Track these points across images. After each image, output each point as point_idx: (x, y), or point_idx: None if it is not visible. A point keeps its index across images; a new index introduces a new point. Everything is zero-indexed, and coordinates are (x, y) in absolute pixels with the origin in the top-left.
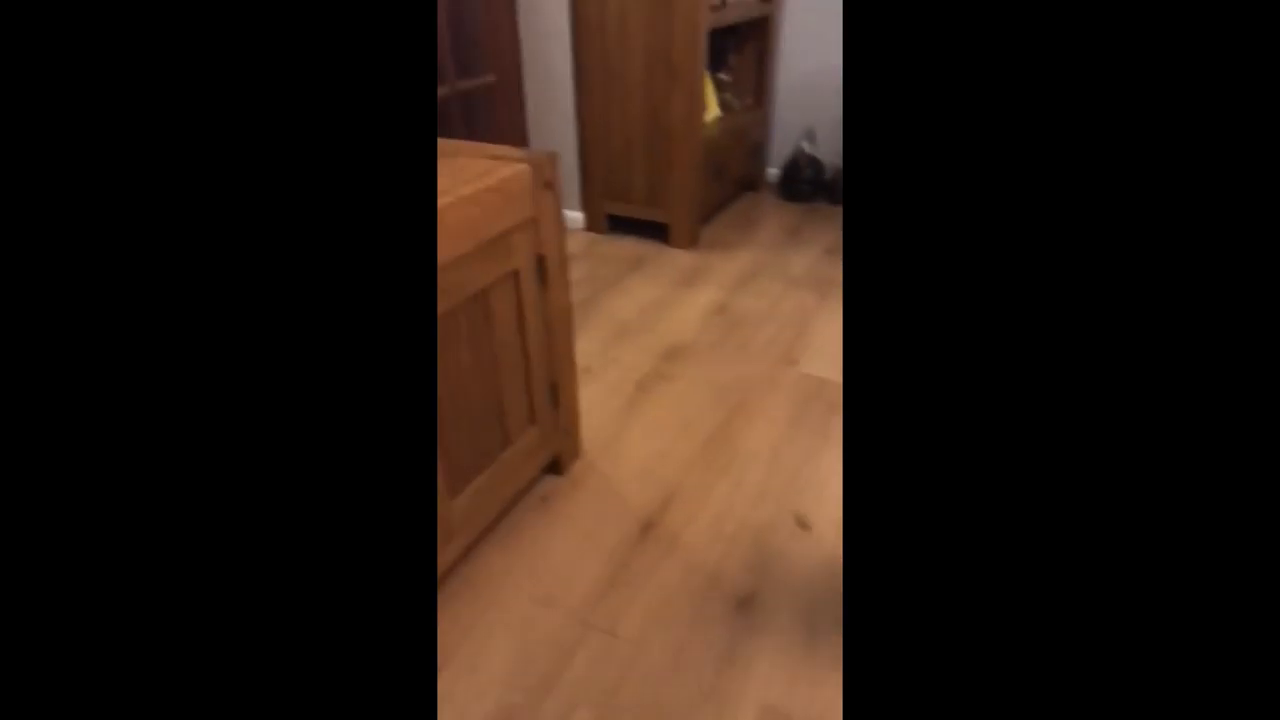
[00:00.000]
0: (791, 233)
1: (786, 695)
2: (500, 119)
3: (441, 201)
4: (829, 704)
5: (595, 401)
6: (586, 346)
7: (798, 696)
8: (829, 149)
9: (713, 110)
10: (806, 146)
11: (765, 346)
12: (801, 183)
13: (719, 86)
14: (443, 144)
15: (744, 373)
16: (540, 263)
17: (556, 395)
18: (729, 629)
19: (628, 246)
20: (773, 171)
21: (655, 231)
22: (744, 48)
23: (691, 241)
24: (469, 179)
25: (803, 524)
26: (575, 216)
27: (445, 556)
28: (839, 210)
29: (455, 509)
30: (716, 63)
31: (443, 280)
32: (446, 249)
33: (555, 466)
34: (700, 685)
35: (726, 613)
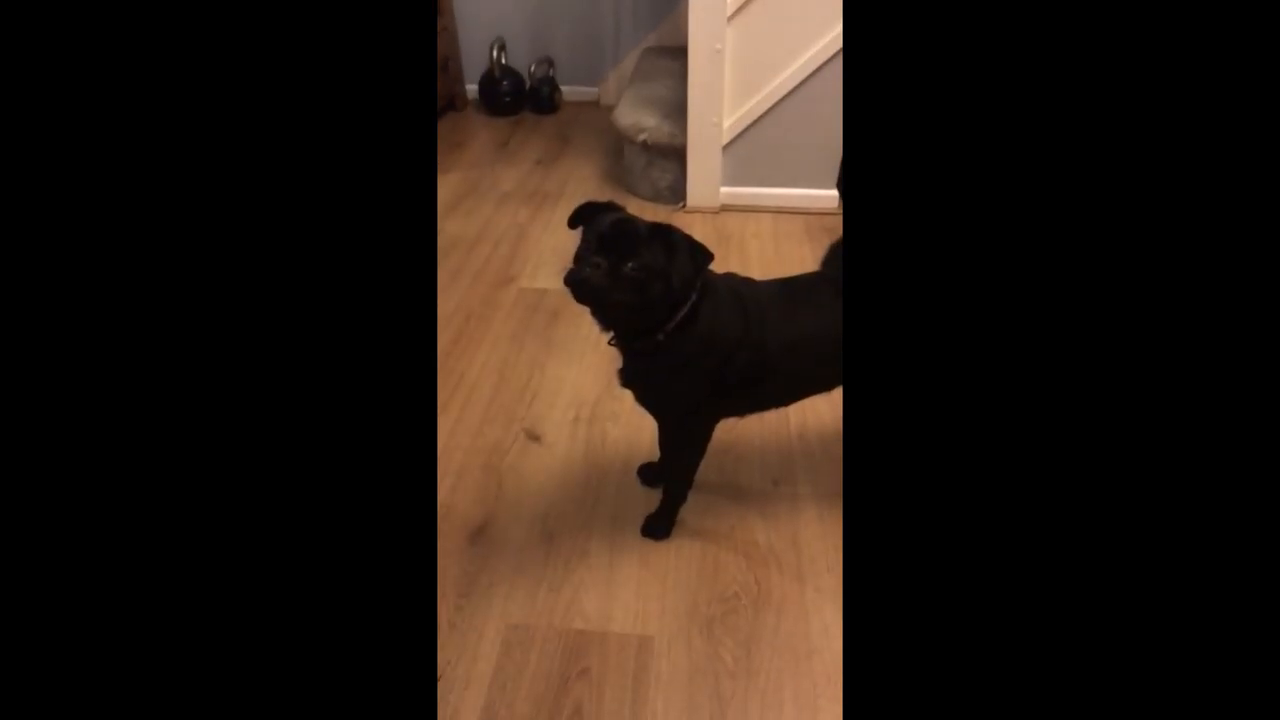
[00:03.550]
0: (499, 148)
1: (528, 609)
2: None
3: None
4: (569, 604)
5: None
6: None
7: (539, 606)
8: (523, 57)
9: None
10: (500, 57)
11: (481, 269)
12: (501, 95)
13: None
14: None
15: (461, 300)
16: None
17: None
18: (463, 562)
19: None
20: (471, 88)
21: None
22: None
23: None
24: None
25: (533, 436)
26: None
27: None
28: (547, 119)
29: None
30: None
31: None
32: None
33: None
34: (439, 626)
35: (460, 547)
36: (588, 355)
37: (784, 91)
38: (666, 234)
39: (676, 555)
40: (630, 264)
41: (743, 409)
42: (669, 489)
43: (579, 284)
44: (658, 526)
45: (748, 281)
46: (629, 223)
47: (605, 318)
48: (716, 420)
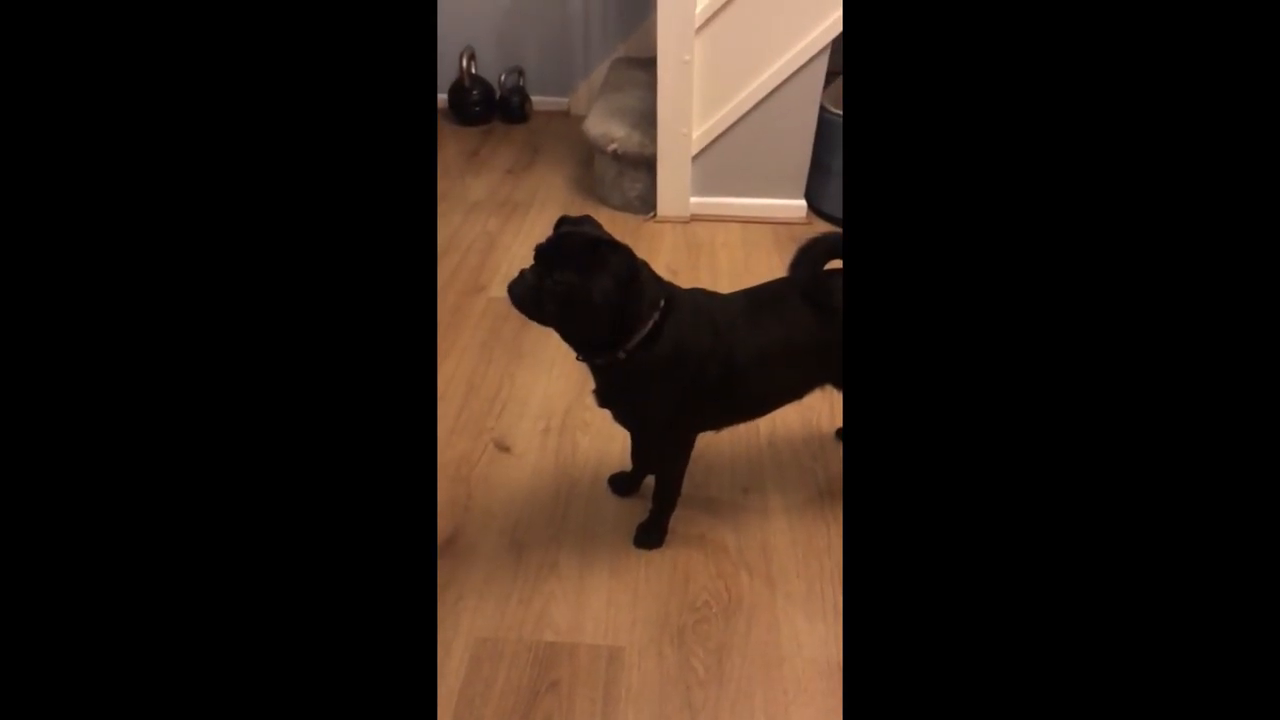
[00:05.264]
0: (469, 157)
1: (497, 621)
2: None
3: None
4: (539, 615)
5: None
6: None
7: (508, 618)
8: (493, 66)
9: None
10: (469, 66)
11: (450, 278)
12: (471, 105)
13: None
14: None
15: None
16: None
17: None
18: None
19: None
20: (441, 97)
21: None
22: None
23: None
24: None
25: (502, 447)
26: None
27: None
28: (517, 129)
29: None
30: None
31: None
32: None
33: None
34: None
35: None
36: (558, 365)
37: (752, 103)
38: (602, 252)
39: (647, 565)
40: (552, 278)
41: (720, 422)
42: (657, 499)
43: (509, 293)
44: (650, 536)
45: (713, 296)
46: (568, 236)
47: (555, 330)
48: (695, 433)
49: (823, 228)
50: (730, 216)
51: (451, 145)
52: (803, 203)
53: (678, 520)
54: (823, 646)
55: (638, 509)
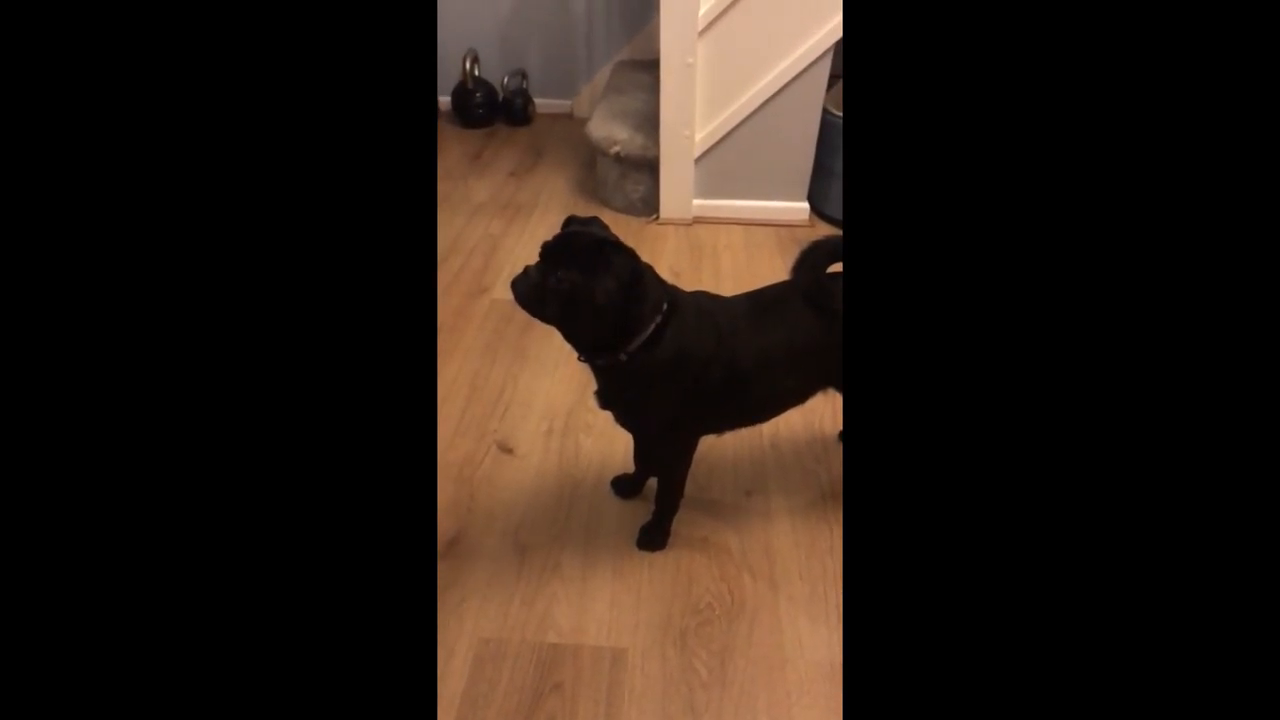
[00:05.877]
0: (472, 160)
1: (500, 622)
2: None
3: None
4: (542, 617)
5: None
6: None
7: (511, 620)
8: (496, 69)
9: None
10: (472, 69)
11: (453, 281)
12: (474, 107)
13: None
14: None
15: None
16: None
17: None
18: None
19: None
20: (444, 99)
21: None
22: None
23: None
24: None
25: (505, 448)
26: None
27: None
28: (520, 131)
29: None
30: None
31: None
32: None
33: None
34: None
35: None
36: (561, 367)
37: (755, 105)
38: (606, 253)
39: (650, 567)
40: (555, 276)
41: (723, 425)
42: (660, 501)
43: (512, 289)
44: (653, 538)
45: (716, 299)
46: (575, 236)
47: (557, 328)
48: (698, 436)
49: (825, 230)
50: (733, 219)
51: (455, 147)
52: (805, 205)
53: (680, 522)
54: (826, 649)
55: (640, 511)
